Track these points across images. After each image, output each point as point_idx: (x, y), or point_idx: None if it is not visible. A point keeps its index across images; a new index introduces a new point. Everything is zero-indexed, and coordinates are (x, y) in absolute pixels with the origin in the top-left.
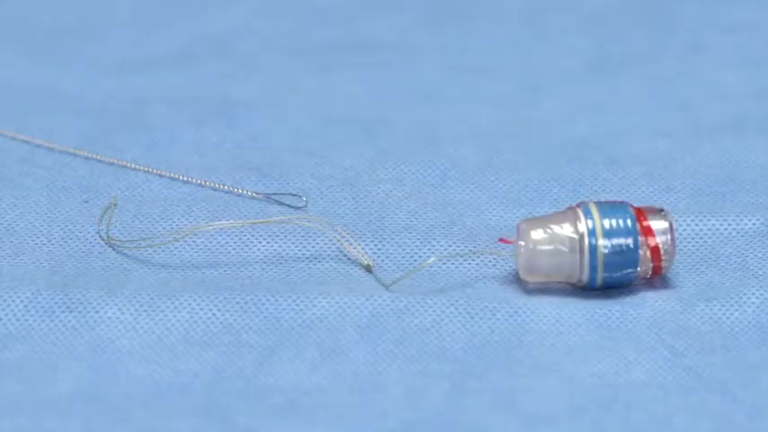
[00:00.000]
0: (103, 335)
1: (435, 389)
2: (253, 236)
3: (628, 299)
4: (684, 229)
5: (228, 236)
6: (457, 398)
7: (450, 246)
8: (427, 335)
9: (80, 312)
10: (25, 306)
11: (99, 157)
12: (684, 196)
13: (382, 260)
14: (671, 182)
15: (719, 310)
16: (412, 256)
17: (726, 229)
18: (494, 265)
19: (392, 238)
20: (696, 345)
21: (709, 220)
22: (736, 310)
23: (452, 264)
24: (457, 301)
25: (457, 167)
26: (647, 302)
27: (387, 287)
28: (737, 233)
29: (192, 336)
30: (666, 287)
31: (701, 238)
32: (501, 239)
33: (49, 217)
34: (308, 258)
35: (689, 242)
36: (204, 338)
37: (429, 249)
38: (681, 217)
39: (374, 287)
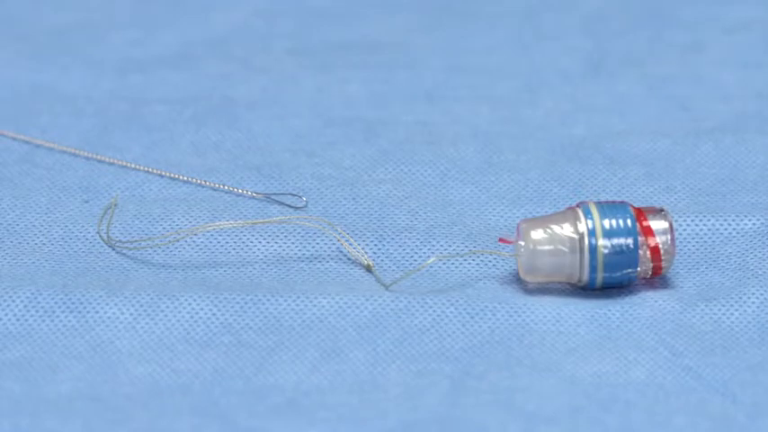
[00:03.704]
0: (103, 335)
1: (435, 389)
2: (253, 236)
3: (628, 299)
4: (684, 229)
5: (228, 236)
6: (457, 398)
7: (450, 246)
8: (427, 335)
9: (80, 312)
10: (25, 306)
11: (99, 157)
12: (684, 196)
13: (382, 260)
14: (671, 182)
15: (719, 310)
16: (412, 256)
17: (726, 229)
18: (494, 265)
19: (392, 238)
20: (696, 345)
21: (709, 220)
22: (737, 310)
23: (452, 264)
24: (457, 301)
25: (457, 167)
26: (647, 302)
27: (387, 287)
28: (737, 233)
29: (192, 336)
30: (666, 287)
31: (701, 238)
32: (501, 239)
33: (49, 217)
34: (308, 258)
35: (689, 242)
36: (204, 338)
37: (429, 249)
38: (681, 217)
39: (374, 287)
